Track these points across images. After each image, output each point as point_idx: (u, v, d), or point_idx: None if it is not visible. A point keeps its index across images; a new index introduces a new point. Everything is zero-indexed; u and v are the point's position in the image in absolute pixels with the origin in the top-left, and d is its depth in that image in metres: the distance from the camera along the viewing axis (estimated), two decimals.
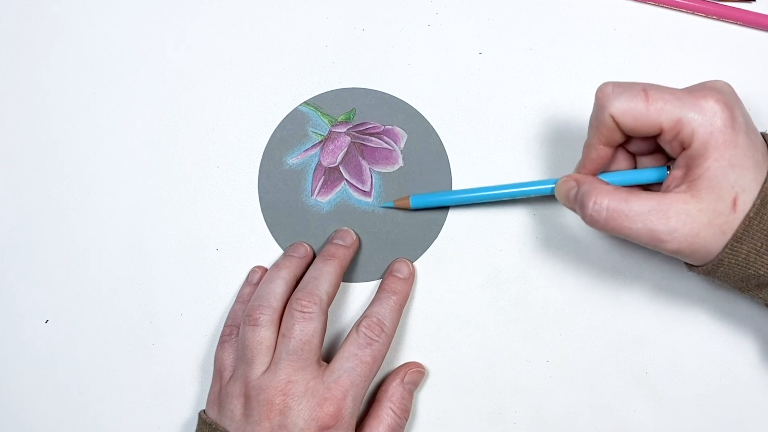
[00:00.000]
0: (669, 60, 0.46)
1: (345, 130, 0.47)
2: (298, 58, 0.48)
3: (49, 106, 0.49)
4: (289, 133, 0.47)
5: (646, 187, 0.41)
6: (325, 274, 0.43)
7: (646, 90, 0.36)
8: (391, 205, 0.46)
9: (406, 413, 0.44)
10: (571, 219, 0.46)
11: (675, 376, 0.45)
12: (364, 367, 0.41)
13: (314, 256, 0.46)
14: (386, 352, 0.43)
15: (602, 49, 0.47)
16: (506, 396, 0.46)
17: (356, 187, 0.46)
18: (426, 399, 0.46)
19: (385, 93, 0.47)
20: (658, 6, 0.47)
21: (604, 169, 0.41)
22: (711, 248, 0.36)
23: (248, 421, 0.40)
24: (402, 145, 0.47)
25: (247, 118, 0.48)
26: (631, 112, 0.36)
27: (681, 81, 0.39)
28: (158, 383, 0.47)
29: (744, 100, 0.42)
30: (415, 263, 0.47)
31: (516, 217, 0.46)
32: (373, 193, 0.47)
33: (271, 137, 0.47)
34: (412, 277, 0.46)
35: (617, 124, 0.37)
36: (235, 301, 0.46)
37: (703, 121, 0.36)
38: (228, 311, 0.47)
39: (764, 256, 0.36)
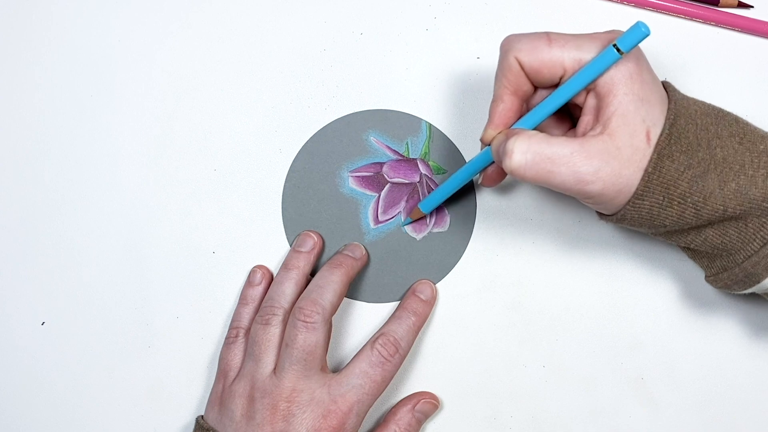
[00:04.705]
0: (667, 66, 0.46)
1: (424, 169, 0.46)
2: (296, 61, 0.48)
3: (46, 108, 0.49)
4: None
5: None
6: (330, 283, 0.43)
7: (548, 34, 0.37)
8: (410, 221, 0.46)
9: None
10: (568, 223, 0.46)
11: (671, 382, 0.45)
12: (373, 386, 0.41)
13: (323, 245, 0.46)
14: (396, 372, 0.43)
15: None
16: (502, 401, 0.46)
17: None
18: None
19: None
20: (656, 12, 0.47)
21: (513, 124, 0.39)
22: (632, 188, 0.36)
23: (249, 423, 0.40)
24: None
25: (244, 121, 0.48)
26: (534, 52, 0.37)
27: (679, 86, 0.39)
28: (154, 386, 0.47)
29: (740, 106, 0.42)
30: (437, 285, 0.47)
31: (513, 222, 0.46)
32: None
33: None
34: (433, 300, 0.46)
35: (522, 67, 0.37)
36: (239, 303, 0.46)
37: None
38: (226, 314, 0.47)
39: (667, 209, 0.37)
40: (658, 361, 0.45)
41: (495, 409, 0.46)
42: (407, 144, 0.47)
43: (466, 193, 0.46)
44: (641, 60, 0.36)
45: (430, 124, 0.47)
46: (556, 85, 0.38)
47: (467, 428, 0.46)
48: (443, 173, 0.46)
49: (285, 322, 0.42)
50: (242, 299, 0.46)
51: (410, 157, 0.47)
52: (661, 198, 0.36)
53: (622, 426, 0.45)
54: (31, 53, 0.49)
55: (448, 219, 0.46)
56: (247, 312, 0.45)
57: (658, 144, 0.36)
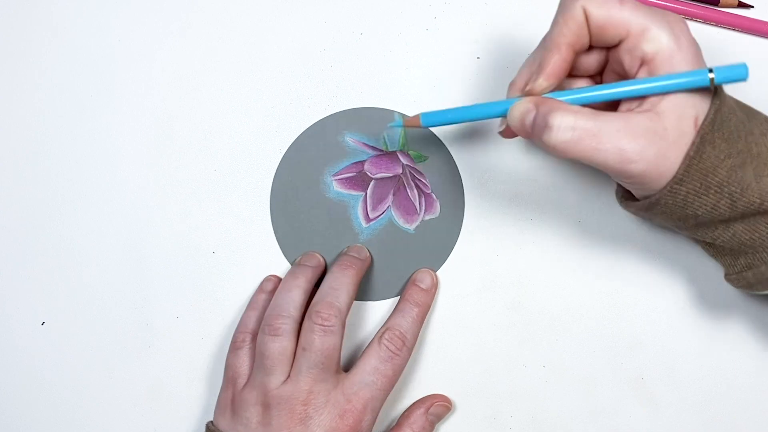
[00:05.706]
0: None
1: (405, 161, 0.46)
2: (296, 61, 0.48)
3: (46, 108, 0.49)
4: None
5: None
6: (343, 284, 0.43)
7: None
8: (401, 124, 0.45)
9: None
10: (568, 223, 0.46)
11: (671, 382, 0.45)
12: (385, 381, 0.42)
13: (326, 268, 0.46)
14: (405, 364, 0.43)
15: None
16: (502, 401, 0.46)
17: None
18: None
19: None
20: None
21: (560, 85, 0.38)
22: (672, 173, 0.35)
23: (267, 429, 0.40)
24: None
25: (244, 121, 0.48)
26: (605, 6, 0.35)
27: None
28: (154, 386, 0.47)
29: None
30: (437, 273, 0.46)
31: (513, 222, 0.46)
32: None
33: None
34: (434, 288, 0.46)
35: (587, 19, 0.36)
36: (248, 308, 0.46)
37: (671, 35, 0.35)
38: (226, 314, 0.47)
39: (702, 197, 0.36)
40: (658, 361, 0.45)
41: (495, 409, 0.46)
42: (384, 138, 0.47)
43: (450, 173, 0.46)
44: (700, 52, 0.36)
45: (403, 114, 0.47)
46: (609, 48, 0.37)
47: (467, 428, 0.46)
48: (425, 160, 0.46)
49: (294, 332, 0.42)
50: (252, 304, 0.46)
51: (389, 150, 0.47)
52: (698, 185, 0.35)
53: (622, 426, 0.45)
54: (31, 53, 0.49)
55: (437, 204, 0.46)
56: (255, 317, 0.45)
57: (701, 128, 0.35)
